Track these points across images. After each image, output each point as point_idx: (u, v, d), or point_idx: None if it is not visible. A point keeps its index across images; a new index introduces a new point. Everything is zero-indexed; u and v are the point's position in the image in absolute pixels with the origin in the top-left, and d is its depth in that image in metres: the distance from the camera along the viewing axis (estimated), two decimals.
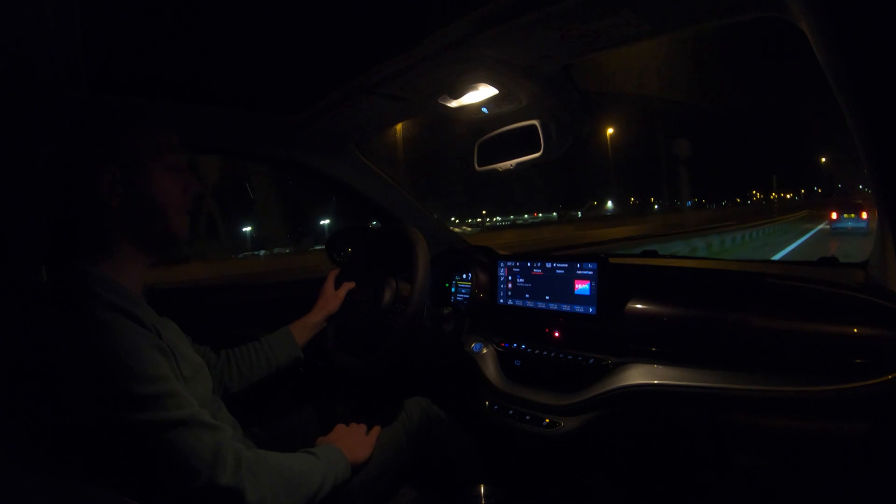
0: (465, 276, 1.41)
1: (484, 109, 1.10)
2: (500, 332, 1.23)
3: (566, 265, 1.12)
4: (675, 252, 7.13)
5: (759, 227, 17.22)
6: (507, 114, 1.12)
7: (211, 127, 1.15)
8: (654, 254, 1.37)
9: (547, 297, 1.15)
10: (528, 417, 1.03)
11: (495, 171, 1.20)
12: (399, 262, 1.13)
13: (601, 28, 0.75)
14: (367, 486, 0.88)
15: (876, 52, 0.53)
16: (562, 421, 0.99)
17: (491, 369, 1.16)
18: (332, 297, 1.14)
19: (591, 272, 1.07)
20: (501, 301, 1.24)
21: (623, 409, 0.94)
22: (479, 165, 1.21)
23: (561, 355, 1.07)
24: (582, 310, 1.07)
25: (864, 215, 15.31)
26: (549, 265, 1.15)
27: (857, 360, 0.75)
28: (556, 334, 1.12)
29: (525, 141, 1.09)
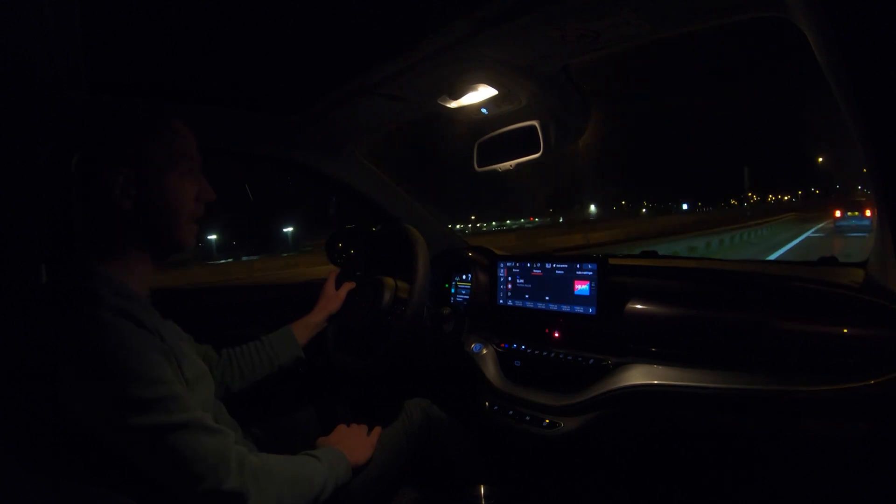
0: (464, 276, 1.41)
1: (483, 110, 1.11)
2: (500, 332, 1.23)
3: (566, 266, 1.12)
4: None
5: (715, 236, 14.28)
6: (506, 114, 1.12)
7: (211, 127, 1.15)
8: (653, 254, 1.37)
9: (547, 298, 1.15)
10: (528, 418, 1.03)
11: (495, 171, 1.20)
12: (399, 263, 1.13)
13: (601, 28, 0.75)
14: (367, 487, 0.88)
15: (876, 52, 0.53)
16: (562, 421, 0.99)
17: (491, 370, 1.16)
18: (334, 297, 1.14)
19: (590, 272, 1.07)
20: (501, 301, 1.24)
21: (623, 410, 0.94)
22: (479, 166, 1.21)
23: (561, 356, 1.07)
24: (582, 310, 1.07)
25: (868, 213, 15.23)
26: (548, 266, 1.15)
27: (857, 360, 0.75)
28: (556, 335, 1.12)
29: (525, 141, 1.09)
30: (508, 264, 1.24)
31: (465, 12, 0.74)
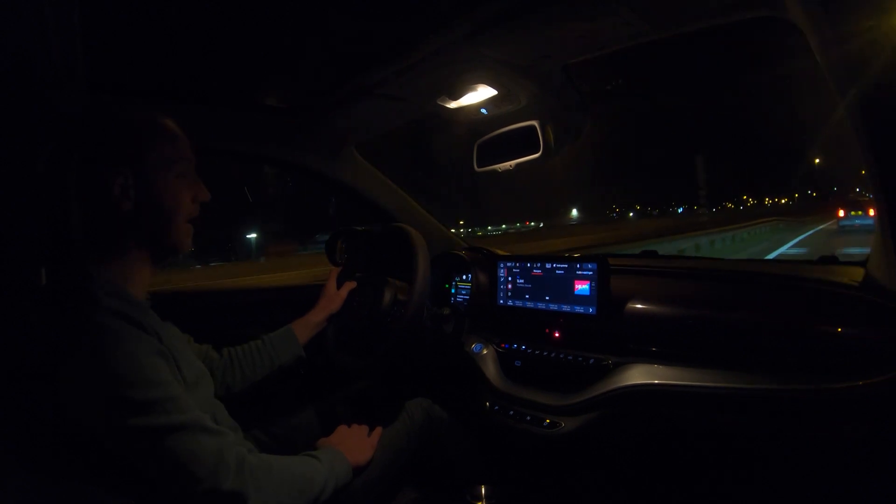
0: (464, 276, 1.41)
1: (483, 110, 1.11)
2: (500, 332, 1.23)
3: (566, 265, 1.11)
4: None
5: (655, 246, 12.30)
6: (506, 114, 1.12)
7: (211, 127, 1.15)
8: (653, 254, 1.37)
9: (547, 298, 1.15)
10: (528, 418, 1.03)
11: (494, 171, 1.20)
12: (399, 263, 1.13)
13: (601, 28, 0.75)
14: (368, 487, 0.88)
15: (876, 51, 0.53)
16: (562, 421, 0.99)
17: (491, 370, 1.16)
18: (335, 297, 1.14)
19: (590, 272, 1.07)
20: (501, 301, 1.24)
21: (623, 410, 0.94)
22: (479, 166, 1.21)
23: (561, 356, 1.07)
24: (582, 310, 1.07)
25: (871, 212, 14.88)
26: (548, 266, 1.15)
27: (857, 360, 0.75)
28: (557, 335, 1.12)
29: (524, 141, 1.09)
30: (508, 264, 1.24)
31: (465, 12, 0.74)
